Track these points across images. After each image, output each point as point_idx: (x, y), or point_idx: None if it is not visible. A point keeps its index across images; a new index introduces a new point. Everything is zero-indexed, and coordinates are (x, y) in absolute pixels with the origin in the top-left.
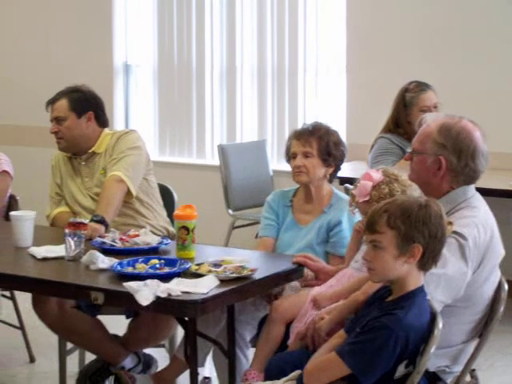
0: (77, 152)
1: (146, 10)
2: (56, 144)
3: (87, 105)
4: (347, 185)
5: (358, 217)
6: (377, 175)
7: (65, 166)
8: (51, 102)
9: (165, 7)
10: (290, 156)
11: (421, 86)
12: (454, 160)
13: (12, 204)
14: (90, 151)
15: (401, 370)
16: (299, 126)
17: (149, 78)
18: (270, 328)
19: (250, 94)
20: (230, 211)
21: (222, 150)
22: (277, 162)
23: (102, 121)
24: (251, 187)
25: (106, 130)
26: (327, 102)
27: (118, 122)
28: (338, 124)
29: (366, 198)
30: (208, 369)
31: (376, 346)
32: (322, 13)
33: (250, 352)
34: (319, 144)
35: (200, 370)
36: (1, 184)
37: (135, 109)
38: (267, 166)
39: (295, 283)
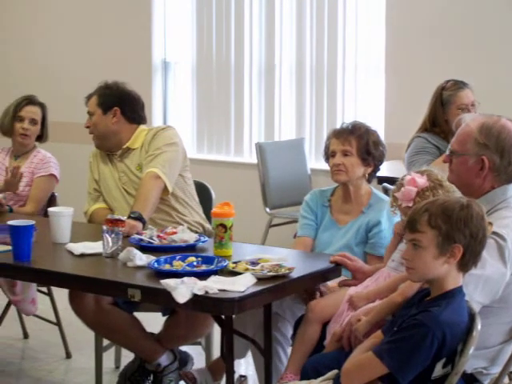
0: (109, 148)
1: (184, 7)
2: (91, 140)
3: (113, 101)
4: (386, 184)
5: (398, 217)
6: (421, 180)
7: (103, 162)
8: (87, 97)
9: (204, 4)
10: (329, 154)
11: (458, 84)
12: (496, 159)
13: (51, 200)
14: (125, 147)
15: (438, 369)
16: (337, 125)
17: (187, 76)
18: (306, 328)
19: (289, 92)
20: (268, 209)
21: (260, 148)
22: (314, 161)
23: (132, 117)
24: (289, 186)
25: (143, 127)
26: (366, 101)
27: (156, 119)
28: (376, 123)
29: (410, 204)
30: (244, 367)
31: (413, 343)
32: (362, 11)
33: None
34: (359, 143)
35: (236, 367)
36: (46, 186)
37: (173, 106)
38: (305, 165)
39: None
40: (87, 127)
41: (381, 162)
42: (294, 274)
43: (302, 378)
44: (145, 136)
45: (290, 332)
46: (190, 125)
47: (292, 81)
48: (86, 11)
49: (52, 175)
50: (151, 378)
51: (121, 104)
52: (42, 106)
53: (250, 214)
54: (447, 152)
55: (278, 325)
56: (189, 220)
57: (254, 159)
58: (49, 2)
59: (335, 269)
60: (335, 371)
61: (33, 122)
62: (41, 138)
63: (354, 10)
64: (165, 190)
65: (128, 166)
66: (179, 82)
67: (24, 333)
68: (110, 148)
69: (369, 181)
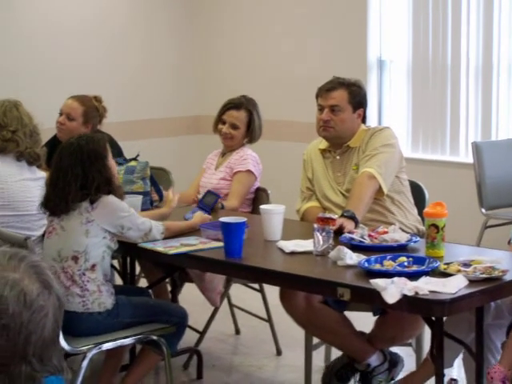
0: (337, 144)
1: (401, 5)
2: (305, 138)
3: (362, 101)
4: None
5: None
6: None
7: (317, 161)
8: (329, 89)
9: (420, 2)
10: None
11: None
12: None
13: (263, 198)
14: (346, 145)
15: None
16: None
17: (403, 74)
18: None
19: (507, 90)
20: (483, 210)
21: (477, 148)
22: None
23: (364, 117)
24: (506, 186)
25: (362, 126)
26: None
27: (371, 118)
28: None
29: None
30: (456, 371)
31: None
32: None
33: None
34: None
35: (447, 371)
36: (246, 181)
37: (388, 104)
38: None
39: None
40: (325, 121)
41: None
42: (508, 277)
43: None
44: (363, 136)
45: (500, 340)
46: (404, 123)
47: (510, 79)
48: (301, 9)
49: (249, 171)
50: (357, 376)
51: (365, 106)
52: (249, 111)
53: (465, 214)
54: None
55: (488, 331)
56: (404, 222)
57: (469, 159)
58: (261, 2)
59: None
60: None
61: (233, 126)
62: (250, 139)
63: None
64: (379, 190)
65: (345, 165)
66: (394, 80)
67: (236, 329)
68: (337, 144)
69: None
